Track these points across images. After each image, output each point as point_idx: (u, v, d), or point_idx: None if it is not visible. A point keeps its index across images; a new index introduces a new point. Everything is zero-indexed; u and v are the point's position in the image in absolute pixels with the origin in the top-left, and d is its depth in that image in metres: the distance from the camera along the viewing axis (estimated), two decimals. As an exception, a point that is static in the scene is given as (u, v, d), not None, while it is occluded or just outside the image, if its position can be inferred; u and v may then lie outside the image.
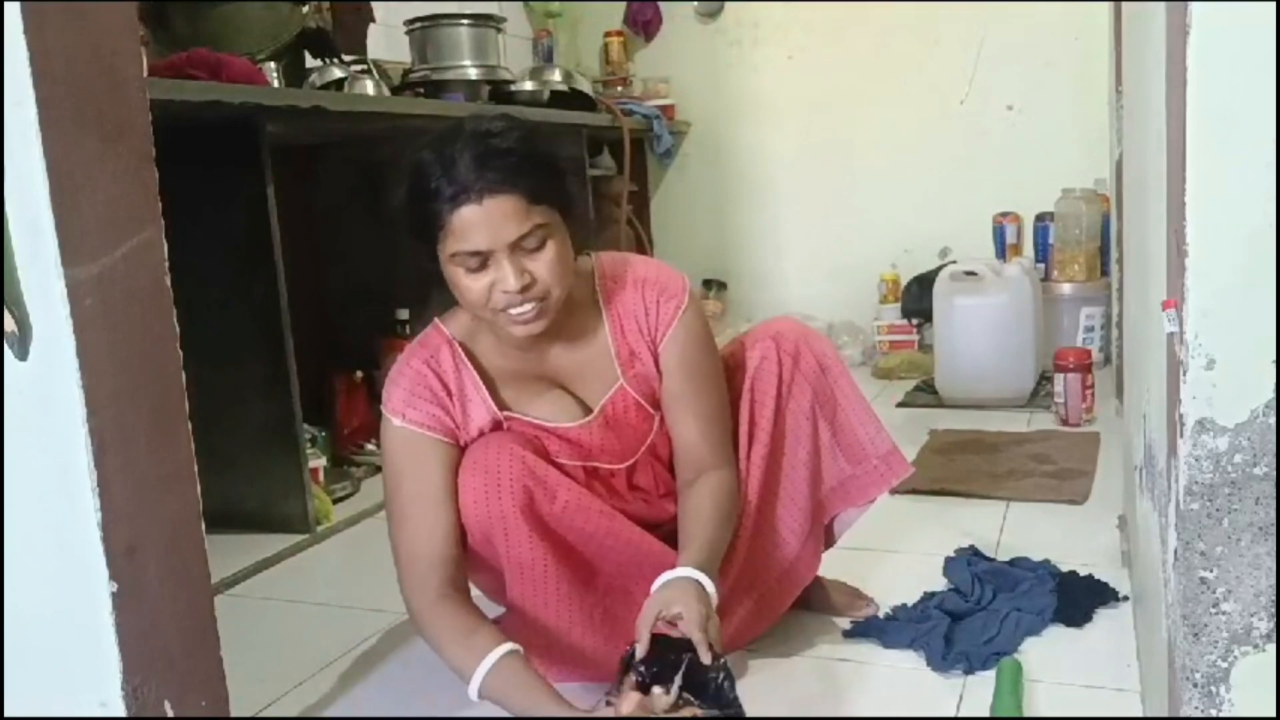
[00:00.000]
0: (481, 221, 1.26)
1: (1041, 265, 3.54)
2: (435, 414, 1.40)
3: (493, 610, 1.49)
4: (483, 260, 1.29)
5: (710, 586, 1.31)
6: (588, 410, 1.46)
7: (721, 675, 1.24)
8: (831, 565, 1.72)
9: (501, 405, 1.43)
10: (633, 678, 1.25)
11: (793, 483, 1.57)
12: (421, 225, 1.30)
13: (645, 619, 1.27)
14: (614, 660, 1.44)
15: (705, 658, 1.22)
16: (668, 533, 1.52)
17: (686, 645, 1.24)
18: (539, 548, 1.39)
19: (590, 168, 3.43)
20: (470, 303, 1.34)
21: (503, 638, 1.31)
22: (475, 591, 1.50)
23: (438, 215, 1.27)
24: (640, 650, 1.25)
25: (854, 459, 1.60)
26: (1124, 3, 2.34)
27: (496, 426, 1.42)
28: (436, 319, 1.47)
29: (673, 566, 1.42)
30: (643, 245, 3.99)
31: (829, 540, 1.67)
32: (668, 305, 1.46)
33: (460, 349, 1.43)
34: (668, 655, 1.25)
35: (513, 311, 1.32)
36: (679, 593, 1.28)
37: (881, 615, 1.68)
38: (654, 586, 1.32)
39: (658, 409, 1.49)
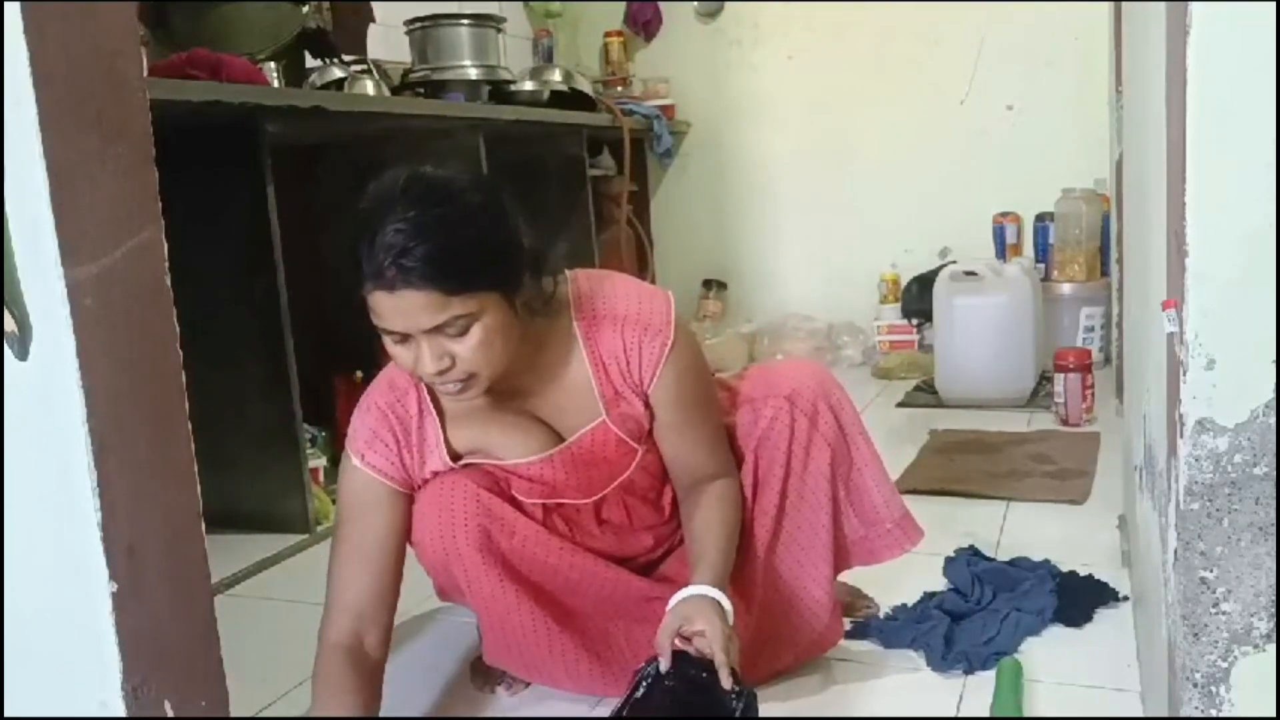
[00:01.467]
0: (395, 309, 1.18)
1: (1041, 265, 3.55)
2: (394, 462, 1.37)
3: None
4: (404, 337, 1.22)
5: (727, 604, 1.30)
6: (559, 440, 1.40)
7: (745, 701, 1.21)
8: (831, 565, 1.71)
9: (457, 455, 1.39)
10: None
11: (814, 551, 1.49)
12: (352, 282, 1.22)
13: (666, 633, 1.26)
14: (594, 689, 1.44)
15: (726, 682, 1.21)
16: (642, 565, 1.51)
17: (702, 663, 1.23)
18: (496, 582, 1.39)
19: (590, 168, 3.43)
20: (400, 367, 1.29)
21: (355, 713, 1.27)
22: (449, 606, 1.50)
23: (360, 285, 1.20)
24: (664, 664, 1.24)
25: (867, 521, 1.53)
26: (1124, 2, 2.34)
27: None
28: None
29: (653, 599, 1.40)
30: (643, 245, 3.99)
31: None
32: (651, 346, 1.35)
33: (426, 394, 1.38)
34: (687, 671, 1.23)
35: (438, 386, 1.27)
36: (699, 609, 1.27)
37: (881, 615, 1.68)
38: (672, 601, 1.30)
39: (641, 442, 1.43)
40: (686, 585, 1.32)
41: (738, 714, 1.20)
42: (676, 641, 1.26)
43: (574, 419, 1.39)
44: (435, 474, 1.39)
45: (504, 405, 1.39)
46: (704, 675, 1.22)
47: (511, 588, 1.40)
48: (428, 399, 1.38)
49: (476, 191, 1.23)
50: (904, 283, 3.69)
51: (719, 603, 1.29)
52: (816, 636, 1.52)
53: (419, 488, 1.40)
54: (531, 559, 1.41)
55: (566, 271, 1.40)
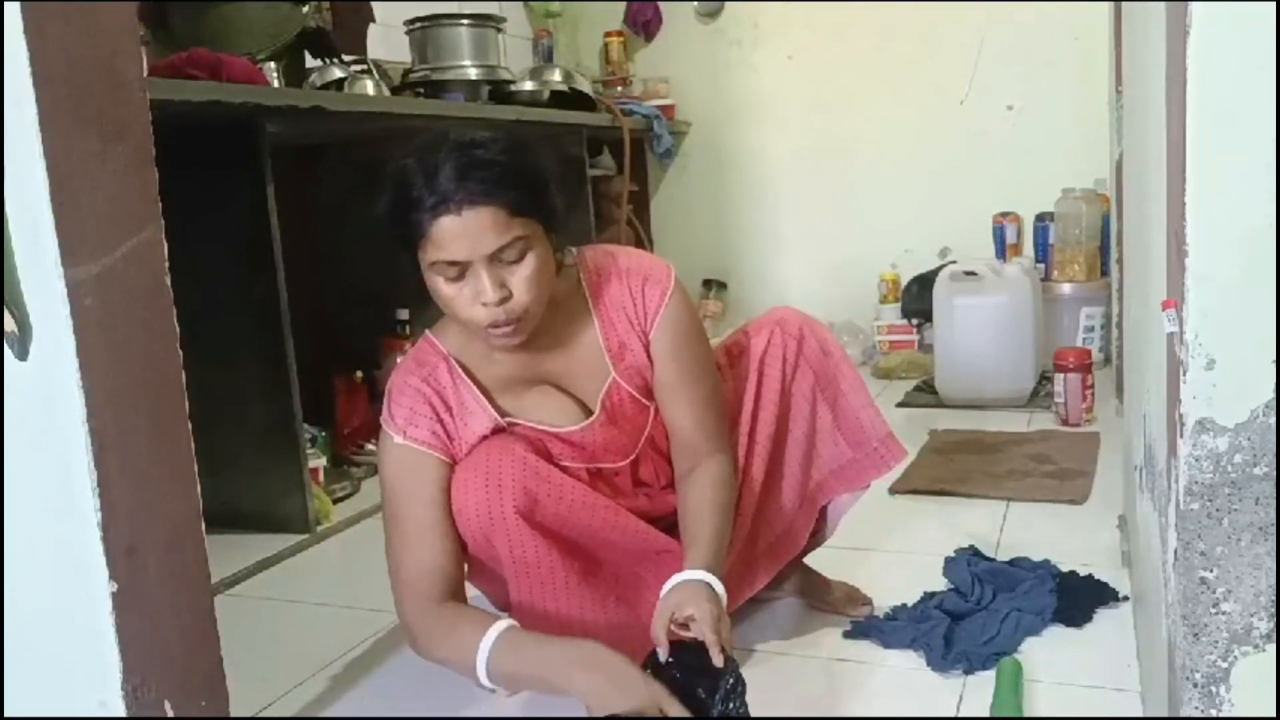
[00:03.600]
0: (461, 232, 1.26)
1: (1041, 265, 3.54)
2: (436, 431, 1.41)
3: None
4: (461, 270, 1.29)
5: (719, 587, 1.32)
6: (585, 409, 1.46)
7: (732, 679, 1.23)
8: (832, 565, 1.71)
9: (502, 413, 1.43)
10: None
11: (791, 458, 1.60)
12: (403, 232, 1.30)
13: (659, 623, 1.28)
14: (627, 647, 1.44)
15: (717, 660, 1.22)
16: (668, 525, 1.53)
17: (699, 648, 1.24)
18: (542, 545, 1.39)
19: (590, 168, 3.43)
20: (450, 312, 1.35)
21: (496, 619, 1.31)
22: (475, 593, 1.51)
23: (419, 224, 1.27)
24: (662, 654, 1.26)
25: (854, 443, 1.62)
26: (1124, 2, 2.34)
27: (498, 433, 1.42)
28: (428, 332, 1.47)
29: (676, 556, 1.43)
30: (642, 245, 3.99)
31: (825, 526, 1.68)
32: (653, 291, 1.46)
33: (455, 364, 1.43)
34: (682, 658, 1.25)
35: (492, 330, 1.32)
36: (690, 595, 1.29)
37: (881, 615, 1.68)
38: (664, 590, 1.33)
39: (651, 399, 1.50)
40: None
41: (722, 693, 1.21)
42: (672, 628, 1.27)
43: (587, 383, 1.46)
44: (482, 438, 1.41)
45: (525, 374, 1.44)
46: (697, 658, 1.24)
47: (556, 549, 1.40)
48: (458, 368, 1.43)
49: (511, 139, 1.35)
50: (904, 283, 3.69)
51: (710, 585, 1.31)
52: (778, 536, 1.60)
53: (460, 456, 1.41)
54: (575, 522, 1.42)
55: (573, 250, 1.49)
